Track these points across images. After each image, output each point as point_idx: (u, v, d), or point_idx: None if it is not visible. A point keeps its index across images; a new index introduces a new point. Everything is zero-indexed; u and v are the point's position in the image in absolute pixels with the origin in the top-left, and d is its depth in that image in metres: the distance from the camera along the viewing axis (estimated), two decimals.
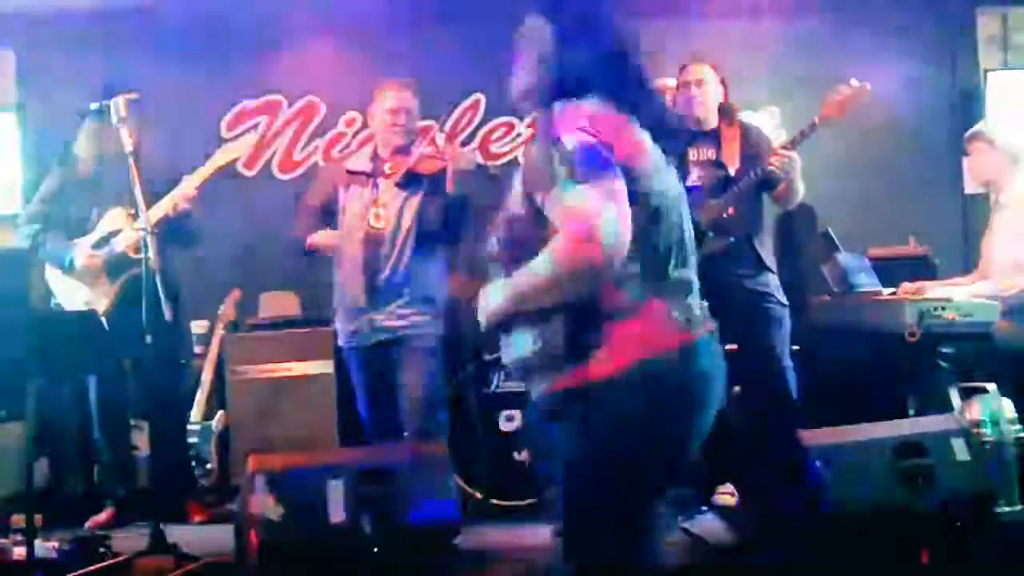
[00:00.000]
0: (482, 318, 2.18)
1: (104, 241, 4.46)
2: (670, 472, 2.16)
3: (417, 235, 4.10)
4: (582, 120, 2.05)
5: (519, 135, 6.01)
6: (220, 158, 4.36)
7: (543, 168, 2.04)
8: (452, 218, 4.08)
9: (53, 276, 4.57)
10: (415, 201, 4.11)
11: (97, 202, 4.48)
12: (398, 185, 4.11)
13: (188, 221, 4.43)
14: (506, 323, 2.15)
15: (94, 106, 4.03)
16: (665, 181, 2.15)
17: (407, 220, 4.09)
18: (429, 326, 4.14)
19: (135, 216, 4.15)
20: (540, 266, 2.01)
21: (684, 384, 2.09)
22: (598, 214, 1.94)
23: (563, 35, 2.18)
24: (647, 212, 2.06)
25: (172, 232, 4.41)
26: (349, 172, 4.21)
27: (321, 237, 4.21)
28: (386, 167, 4.14)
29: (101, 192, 4.45)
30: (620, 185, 1.99)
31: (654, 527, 2.12)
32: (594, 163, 1.99)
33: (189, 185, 4.31)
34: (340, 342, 4.32)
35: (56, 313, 4.47)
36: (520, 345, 2.13)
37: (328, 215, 4.23)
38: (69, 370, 4.06)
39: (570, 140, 2.02)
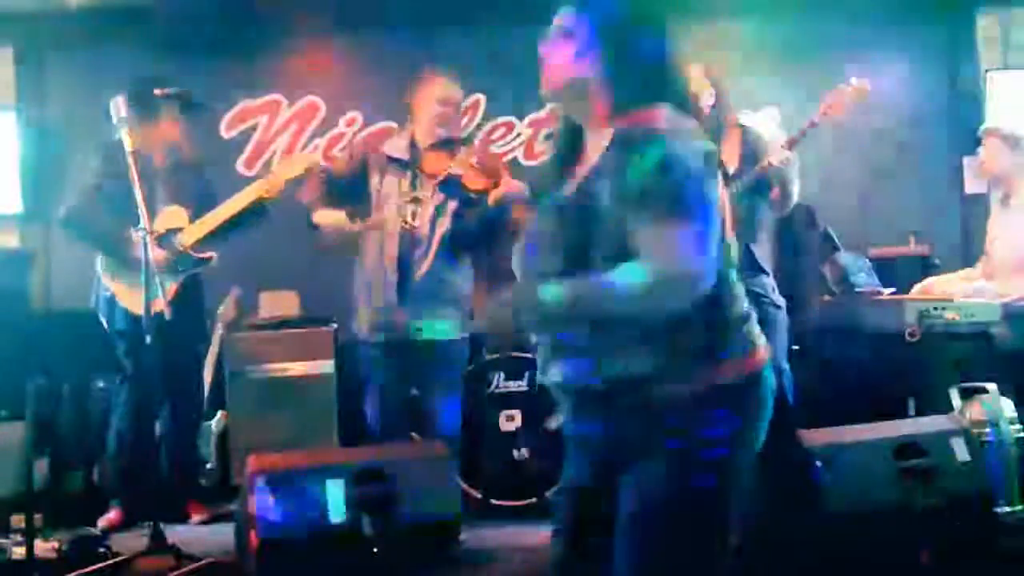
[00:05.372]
0: (523, 312, 1.95)
1: (164, 238, 4.40)
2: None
3: (451, 238, 4.02)
4: (685, 137, 1.90)
5: (519, 135, 6.00)
6: (288, 170, 4.37)
7: (625, 183, 1.88)
8: (488, 227, 3.96)
9: (110, 275, 4.49)
10: (453, 203, 4.02)
11: (147, 201, 4.41)
12: (438, 185, 4.00)
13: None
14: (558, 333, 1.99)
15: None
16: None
17: (444, 222, 4.01)
18: (456, 329, 4.10)
19: (193, 214, 4.17)
20: (619, 287, 1.87)
21: (769, 398, 2.02)
22: (696, 256, 1.86)
23: (603, 29, 2.00)
24: (720, 223, 1.98)
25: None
26: (389, 158, 4.07)
27: (327, 217, 4.07)
28: (427, 162, 4.00)
29: (150, 191, 4.29)
30: (716, 220, 1.90)
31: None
32: (696, 196, 1.87)
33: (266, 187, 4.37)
34: (360, 336, 4.17)
35: (56, 313, 4.46)
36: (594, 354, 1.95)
37: (344, 192, 4.10)
38: (69, 370, 4.05)
39: (675, 166, 1.85)
